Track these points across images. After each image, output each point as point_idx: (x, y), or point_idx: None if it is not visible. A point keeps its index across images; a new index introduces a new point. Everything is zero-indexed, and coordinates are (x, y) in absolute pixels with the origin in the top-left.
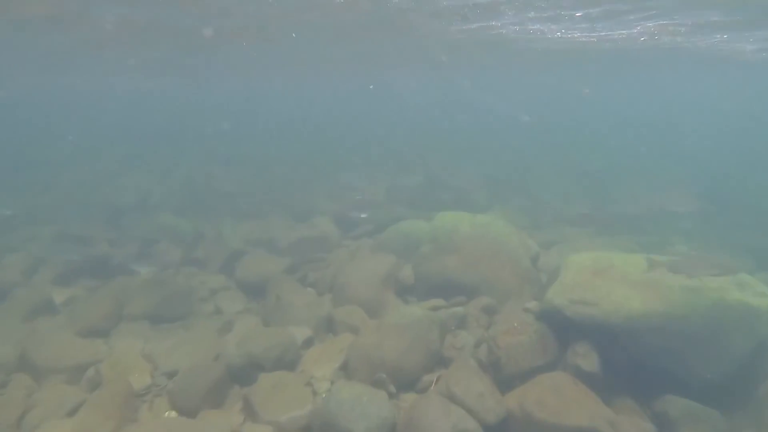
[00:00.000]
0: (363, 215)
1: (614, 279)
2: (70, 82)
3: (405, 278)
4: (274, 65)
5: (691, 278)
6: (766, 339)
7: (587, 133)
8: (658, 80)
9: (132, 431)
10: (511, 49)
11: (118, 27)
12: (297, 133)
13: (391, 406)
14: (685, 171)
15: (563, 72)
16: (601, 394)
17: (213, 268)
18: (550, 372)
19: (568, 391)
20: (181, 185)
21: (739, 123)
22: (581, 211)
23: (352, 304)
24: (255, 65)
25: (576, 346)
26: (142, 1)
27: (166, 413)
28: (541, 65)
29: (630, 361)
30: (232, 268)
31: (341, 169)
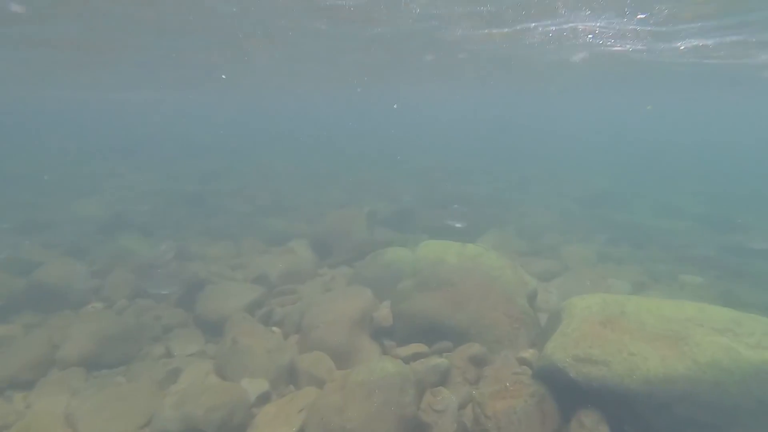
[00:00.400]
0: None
1: (627, 330)
2: (62, 93)
3: (382, 318)
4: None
5: (723, 333)
6: None
7: (597, 152)
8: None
9: None
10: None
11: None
12: (289, 146)
13: None
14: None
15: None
16: None
17: (172, 300)
18: None
19: None
20: (161, 202)
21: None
22: (584, 234)
23: (320, 350)
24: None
25: (582, 416)
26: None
27: None
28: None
29: None
30: (193, 300)
31: (333, 184)
